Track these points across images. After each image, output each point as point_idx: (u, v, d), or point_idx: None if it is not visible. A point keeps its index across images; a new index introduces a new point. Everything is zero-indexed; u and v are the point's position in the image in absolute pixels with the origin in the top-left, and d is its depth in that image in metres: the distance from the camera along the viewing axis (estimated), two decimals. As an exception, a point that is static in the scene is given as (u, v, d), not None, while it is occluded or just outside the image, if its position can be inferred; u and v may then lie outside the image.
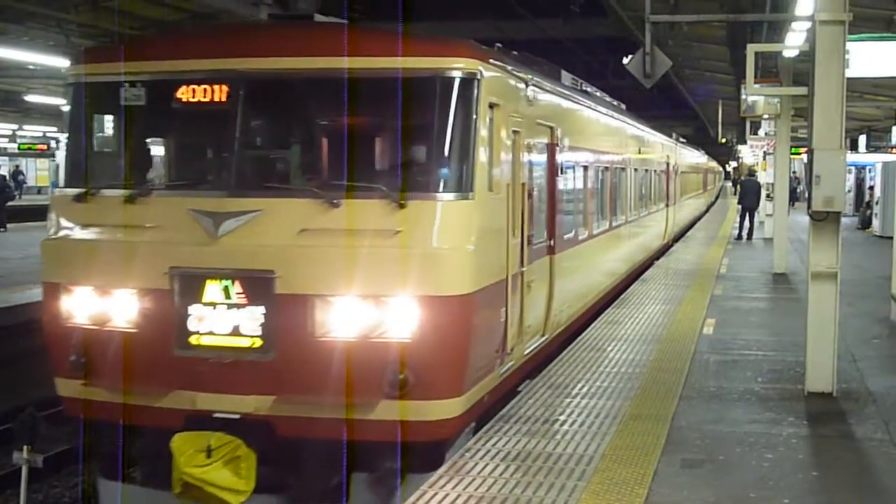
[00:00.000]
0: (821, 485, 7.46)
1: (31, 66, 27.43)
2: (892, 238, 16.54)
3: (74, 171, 8.80)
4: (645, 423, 8.78)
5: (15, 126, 53.65)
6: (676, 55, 25.34)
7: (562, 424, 8.71)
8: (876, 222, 33.13)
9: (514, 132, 9.41)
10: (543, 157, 11.11)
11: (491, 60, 8.73)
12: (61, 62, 19.19)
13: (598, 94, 17.44)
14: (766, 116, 27.23)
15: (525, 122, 9.85)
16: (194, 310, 7.87)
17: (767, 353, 12.20)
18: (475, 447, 7.99)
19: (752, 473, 7.59)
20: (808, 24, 11.87)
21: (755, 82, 13.74)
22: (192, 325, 7.86)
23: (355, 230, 7.74)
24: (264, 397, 7.81)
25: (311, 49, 8.23)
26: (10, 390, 13.84)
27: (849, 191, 39.38)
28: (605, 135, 16.53)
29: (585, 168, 14.07)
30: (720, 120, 48.48)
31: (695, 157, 42.57)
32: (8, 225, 31.26)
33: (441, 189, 7.96)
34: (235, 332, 7.80)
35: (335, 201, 7.81)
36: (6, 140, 60.55)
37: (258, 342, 7.76)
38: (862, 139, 43.74)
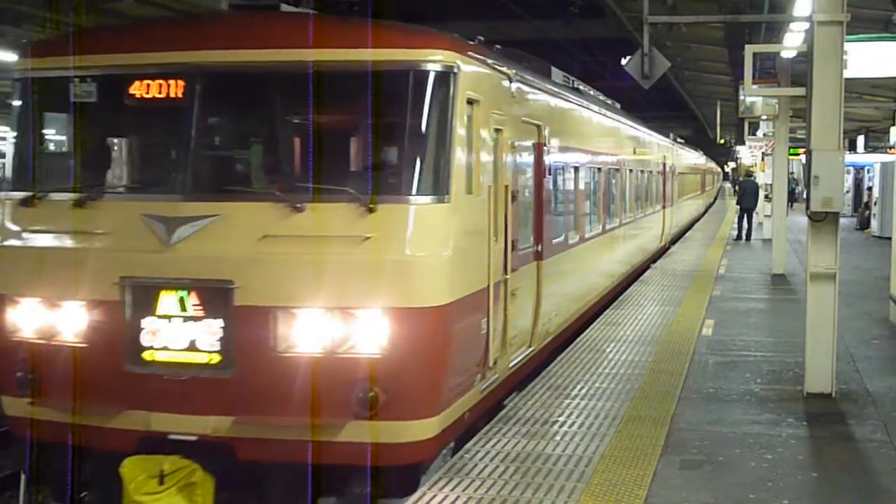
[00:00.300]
0: (820, 486, 7.45)
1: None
2: (890, 238, 16.56)
3: (20, 173, 8.14)
4: (644, 425, 8.77)
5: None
6: (675, 56, 25.36)
7: (561, 426, 8.71)
8: (874, 223, 33.15)
9: (497, 130, 8.93)
10: (530, 158, 10.64)
11: (469, 53, 8.22)
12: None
13: (590, 92, 16.98)
14: (764, 117, 27.25)
15: (508, 119, 9.34)
16: (147, 323, 7.33)
17: (766, 354, 12.20)
18: (474, 448, 7.98)
19: (751, 474, 7.58)
20: (806, 25, 11.88)
21: (753, 83, 13.73)
22: (145, 339, 7.32)
23: (321, 236, 7.23)
24: (223, 417, 7.24)
25: (273, 40, 7.69)
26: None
27: (847, 191, 39.47)
28: (597, 134, 15.97)
29: (576, 169, 13.54)
30: (719, 121, 48.46)
31: (693, 157, 42.44)
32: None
33: (414, 192, 7.39)
34: (192, 346, 7.27)
35: (299, 205, 7.28)
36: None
37: (216, 358, 7.23)
38: (860, 140, 43.72)
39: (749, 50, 13.00)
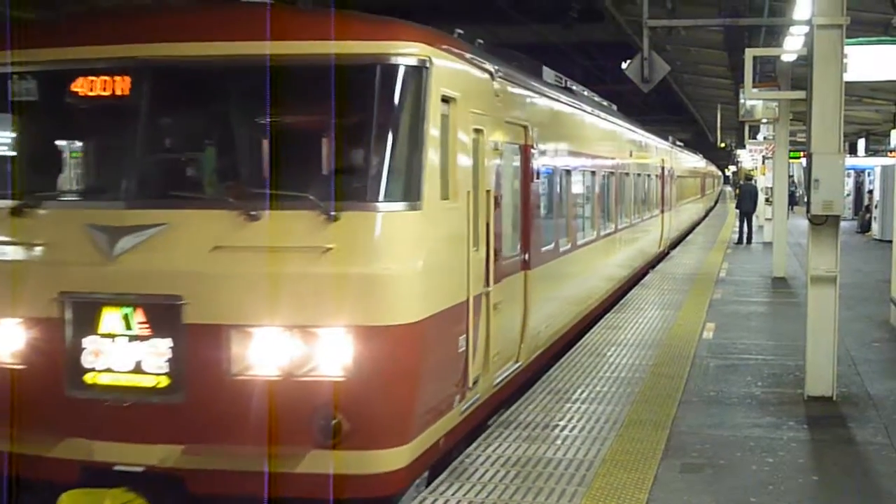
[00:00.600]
0: (821, 489, 7.44)
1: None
2: (891, 241, 16.56)
3: None
4: (645, 428, 8.77)
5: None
6: (674, 60, 25.35)
7: (562, 430, 8.70)
8: (875, 226, 33.19)
9: (477, 131, 8.33)
10: (516, 161, 10.09)
11: (444, 47, 7.59)
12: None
13: (585, 93, 16.37)
14: (764, 120, 27.31)
15: (490, 119, 8.73)
16: (89, 342, 6.73)
17: (767, 358, 12.19)
18: (475, 453, 7.97)
19: (752, 478, 7.58)
20: (805, 29, 11.89)
21: (753, 86, 13.74)
22: (86, 360, 6.74)
23: (279, 248, 6.63)
24: (172, 447, 6.65)
25: (226, 32, 7.05)
26: None
27: (848, 194, 39.48)
28: (590, 137, 15.35)
29: (567, 172, 12.92)
30: (719, 124, 48.50)
31: (692, 160, 42.30)
32: None
33: (382, 198, 6.78)
34: (137, 369, 6.68)
35: (254, 213, 6.68)
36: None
37: (164, 381, 6.65)
38: (861, 143, 43.76)
39: (749, 53, 12.99)
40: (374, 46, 6.96)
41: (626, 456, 7.94)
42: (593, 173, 15.08)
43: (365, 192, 6.83)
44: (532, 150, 10.47)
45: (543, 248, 11.14)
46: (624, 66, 16.17)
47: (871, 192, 35.67)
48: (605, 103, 18.80)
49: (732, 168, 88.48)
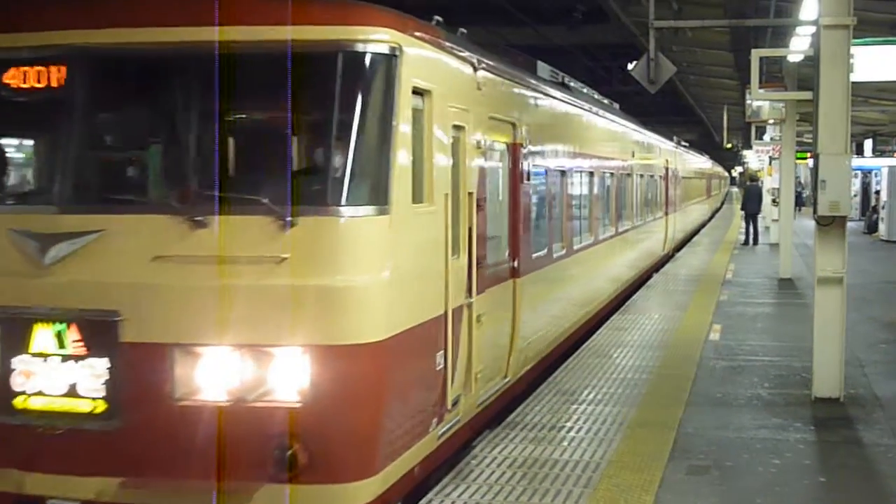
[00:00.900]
0: (828, 491, 7.43)
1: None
2: (898, 242, 16.50)
3: None
4: (651, 430, 8.75)
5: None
6: (680, 61, 25.34)
7: (568, 431, 8.69)
8: (882, 226, 33.16)
9: (457, 127, 7.68)
10: (503, 160, 9.45)
11: (418, 34, 6.90)
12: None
13: (584, 90, 15.74)
14: (771, 121, 27.20)
15: (473, 115, 8.06)
16: (19, 363, 6.11)
17: (774, 359, 12.16)
18: (481, 454, 7.96)
19: (758, 479, 7.56)
20: (812, 29, 11.87)
21: (760, 87, 13.73)
22: (16, 383, 6.12)
23: (228, 257, 5.99)
24: (110, 479, 6.04)
25: (172, 17, 6.36)
26: None
27: (855, 195, 39.40)
28: (588, 135, 14.51)
29: (562, 173, 12.19)
30: (725, 125, 48.43)
31: (698, 161, 42.11)
32: None
33: (345, 201, 6.12)
34: (72, 392, 6.07)
35: (201, 218, 6.04)
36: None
37: (101, 406, 6.03)
38: (868, 143, 43.69)
39: (755, 54, 12.97)
40: (335, 32, 6.28)
41: (633, 457, 7.93)
42: (591, 174, 14.41)
43: (325, 194, 6.19)
44: (522, 150, 9.80)
45: (535, 255, 10.50)
46: (630, 67, 16.16)
47: (878, 192, 35.65)
48: (605, 101, 18.34)
49: (739, 169, 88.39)
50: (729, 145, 61.58)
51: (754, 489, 7.33)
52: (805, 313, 14.11)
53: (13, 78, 6.45)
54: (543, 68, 12.62)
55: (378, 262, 6.22)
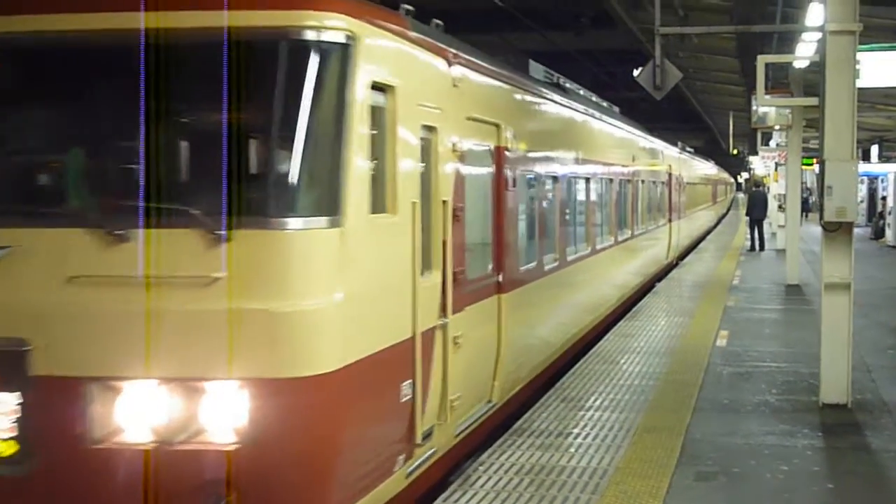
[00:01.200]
0: (836, 497, 7.40)
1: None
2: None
3: None
4: (659, 436, 8.74)
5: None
6: (686, 67, 25.33)
7: (575, 437, 8.68)
8: (889, 232, 33.13)
9: (428, 128, 7.02)
10: (486, 165, 8.73)
11: (378, 21, 6.19)
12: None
13: (580, 92, 15.15)
14: (777, 127, 27.17)
15: (448, 115, 7.37)
16: None
17: (781, 365, 12.14)
18: (488, 461, 7.95)
19: (766, 486, 7.54)
20: (818, 35, 11.86)
21: (766, 93, 13.71)
22: None
23: (154, 277, 5.30)
24: None
25: (90, 1, 5.71)
26: None
27: (861, 201, 39.34)
28: (584, 139, 13.88)
29: (554, 179, 11.45)
30: (731, 131, 48.39)
31: (703, 167, 41.94)
32: None
33: (289, 212, 5.42)
34: None
35: (121, 232, 5.34)
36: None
37: (11, 448, 5.38)
38: (874, 149, 43.62)
39: (761, 60, 12.97)
40: (279, 17, 5.60)
41: (640, 464, 7.92)
42: (588, 180, 13.74)
43: (266, 204, 5.49)
44: (507, 153, 9.06)
45: (523, 267, 9.80)
46: (636, 73, 16.15)
47: (884, 198, 35.58)
48: (605, 105, 17.82)
49: (745, 175, 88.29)
50: (735, 151, 61.58)
51: (762, 496, 7.31)
52: (812, 319, 14.09)
53: None
54: (536, 68, 12.10)
55: (328, 282, 5.49)
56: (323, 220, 5.53)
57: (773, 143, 36.01)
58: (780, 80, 22.28)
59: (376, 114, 6.12)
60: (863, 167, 36.19)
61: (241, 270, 5.32)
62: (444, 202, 7.33)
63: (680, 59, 23.35)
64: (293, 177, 5.49)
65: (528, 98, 10.49)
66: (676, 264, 26.28)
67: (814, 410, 9.81)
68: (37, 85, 5.99)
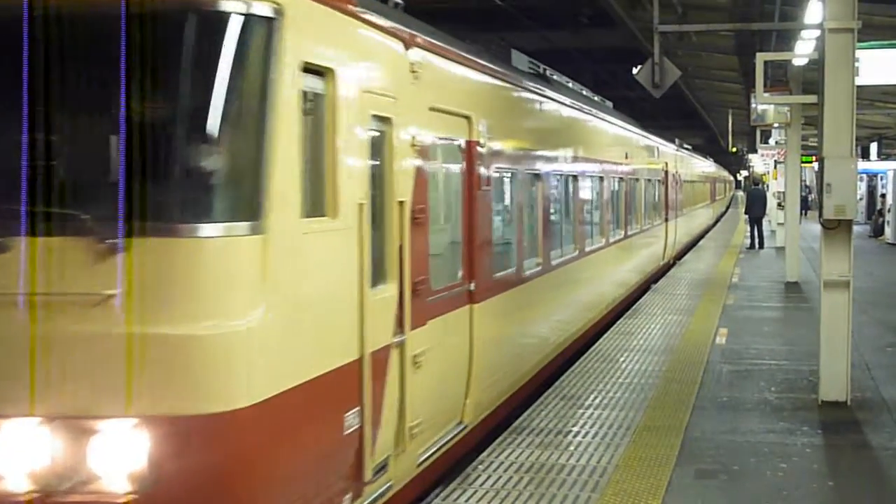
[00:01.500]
0: (836, 494, 7.40)
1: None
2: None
3: None
4: (658, 434, 8.74)
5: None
6: (685, 65, 25.33)
7: (574, 436, 8.68)
8: (888, 230, 33.14)
9: (379, 119, 6.23)
10: (455, 162, 8.02)
11: None
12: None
13: (569, 84, 14.46)
14: (776, 125, 27.20)
15: (405, 105, 6.61)
16: None
17: (780, 363, 12.14)
18: (488, 459, 7.95)
19: (766, 483, 7.54)
20: (817, 33, 11.86)
21: (765, 91, 13.70)
22: None
23: (36, 295, 4.53)
24: None
25: None
26: None
27: (860, 199, 39.38)
28: (570, 134, 13.09)
29: (536, 177, 10.65)
30: (731, 129, 48.41)
31: (701, 165, 41.67)
32: None
33: (199, 216, 4.61)
34: None
35: None
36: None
37: None
38: (873, 147, 43.63)
39: (760, 58, 12.96)
40: None
41: (640, 462, 7.92)
42: (575, 178, 12.95)
43: (171, 206, 4.66)
44: (480, 149, 8.34)
45: (499, 274, 9.02)
46: (635, 71, 16.14)
47: (883, 195, 35.59)
48: (596, 99, 17.20)
49: (744, 173, 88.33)
50: (734, 149, 61.61)
51: (762, 493, 7.31)
52: (811, 317, 14.09)
53: None
54: (520, 58, 11.39)
55: (247, 299, 4.67)
56: (241, 226, 4.69)
57: (772, 141, 36.02)
58: (779, 78, 22.27)
59: (311, 101, 5.34)
60: (862, 165, 36.21)
61: (139, 286, 4.52)
62: (401, 203, 6.56)
63: (679, 58, 23.38)
64: (205, 174, 4.68)
65: (507, 89, 9.69)
66: (674, 264, 25.99)
67: (813, 408, 9.81)
68: None
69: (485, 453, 8.14)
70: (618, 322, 15.27)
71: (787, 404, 10.00)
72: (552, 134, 12.01)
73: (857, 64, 9.99)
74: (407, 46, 6.74)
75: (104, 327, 4.52)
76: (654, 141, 23.29)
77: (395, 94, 6.48)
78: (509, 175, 9.69)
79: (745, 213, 32.53)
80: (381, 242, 6.30)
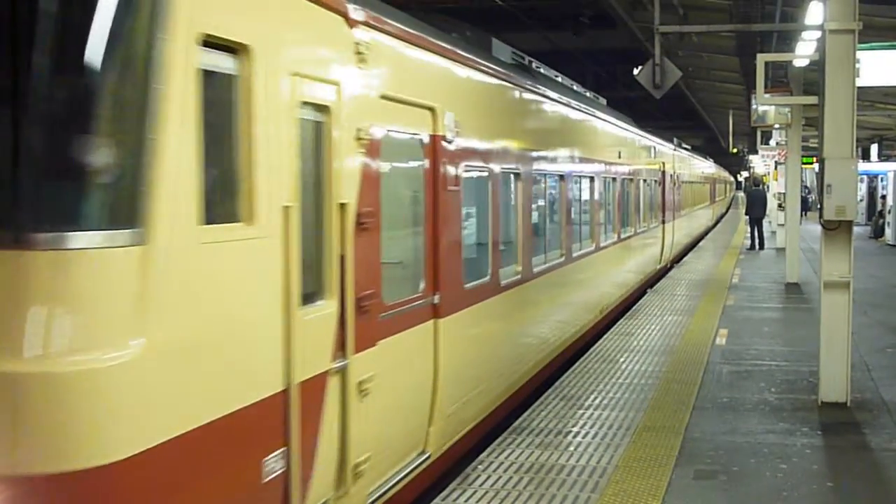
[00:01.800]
0: (835, 495, 7.41)
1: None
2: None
3: None
4: (658, 435, 8.75)
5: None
6: (686, 66, 25.35)
7: (574, 436, 8.68)
8: (889, 231, 33.13)
9: (316, 108, 5.44)
10: (415, 159, 7.22)
11: None
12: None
13: (558, 78, 13.67)
14: (777, 126, 27.21)
15: (349, 92, 5.77)
16: None
17: (780, 364, 12.15)
18: (487, 459, 7.96)
19: (765, 484, 7.55)
20: (817, 34, 11.86)
21: (765, 92, 13.71)
22: None
23: None
24: None
25: None
26: None
27: (861, 200, 39.38)
28: (556, 131, 12.22)
29: (516, 176, 9.85)
30: (731, 130, 48.42)
31: (700, 165, 41.51)
32: None
33: (57, 222, 3.77)
34: None
35: None
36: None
37: None
38: (874, 148, 43.65)
39: (761, 59, 12.97)
40: None
41: (640, 462, 7.93)
42: (561, 178, 12.19)
43: (19, 210, 3.77)
44: (446, 144, 7.53)
45: (470, 284, 8.22)
46: (635, 72, 16.15)
47: (884, 197, 35.59)
48: (588, 95, 16.36)
49: (745, 174, 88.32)
50: (735, 150, 61.62)
51: (761, 494, 7.32)
52: (812, 318, 14.10)
53: None
54: (501, 47, 10.54)
55: (122, 326, 3.82)
56: (115, 234, 3.82)
57: (772, 142, 36.04)
58: (780, 79, 22.29)
59: (217, 82, 4.48)
60: (862, 166, 36.25)
61: None
62: (343, 206, 5.70)
63: (679, 58, 23.40)
64: (67, 170, 3.80)
65: (480, 79, 8.72)
66: (671, 268, 25.49)
67: (813, 409, 9.82)
68: None
69: (484, 453, 8.14)
70: (618, 322, 15.27)
71: (787, 405, 10.00)
72: (535, 130, 11.10)
73: (857, 65, 10.00)
74: (350, 24, 5.81)
75: None
76: (651, 140, 22.67)
77: (333, 79, 5.60)
78: (483, 174, 8.84)
79: (746, 213, 32.56)
80: (316, 252, 5.48)
